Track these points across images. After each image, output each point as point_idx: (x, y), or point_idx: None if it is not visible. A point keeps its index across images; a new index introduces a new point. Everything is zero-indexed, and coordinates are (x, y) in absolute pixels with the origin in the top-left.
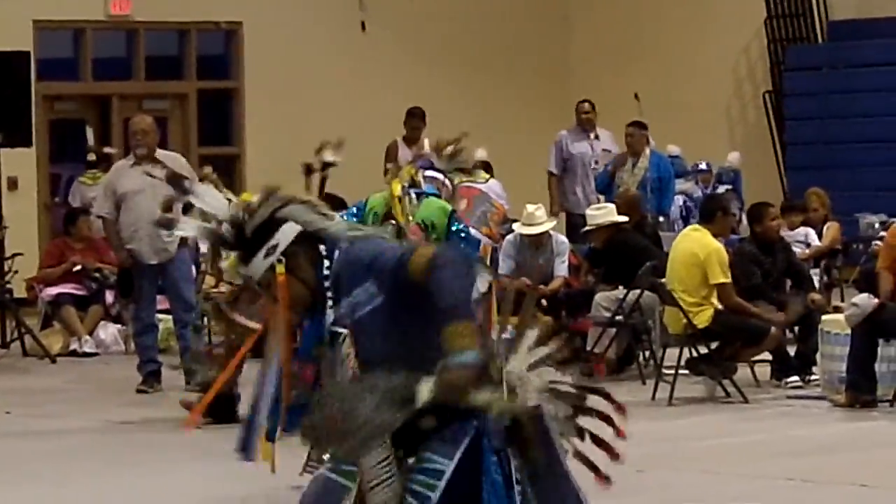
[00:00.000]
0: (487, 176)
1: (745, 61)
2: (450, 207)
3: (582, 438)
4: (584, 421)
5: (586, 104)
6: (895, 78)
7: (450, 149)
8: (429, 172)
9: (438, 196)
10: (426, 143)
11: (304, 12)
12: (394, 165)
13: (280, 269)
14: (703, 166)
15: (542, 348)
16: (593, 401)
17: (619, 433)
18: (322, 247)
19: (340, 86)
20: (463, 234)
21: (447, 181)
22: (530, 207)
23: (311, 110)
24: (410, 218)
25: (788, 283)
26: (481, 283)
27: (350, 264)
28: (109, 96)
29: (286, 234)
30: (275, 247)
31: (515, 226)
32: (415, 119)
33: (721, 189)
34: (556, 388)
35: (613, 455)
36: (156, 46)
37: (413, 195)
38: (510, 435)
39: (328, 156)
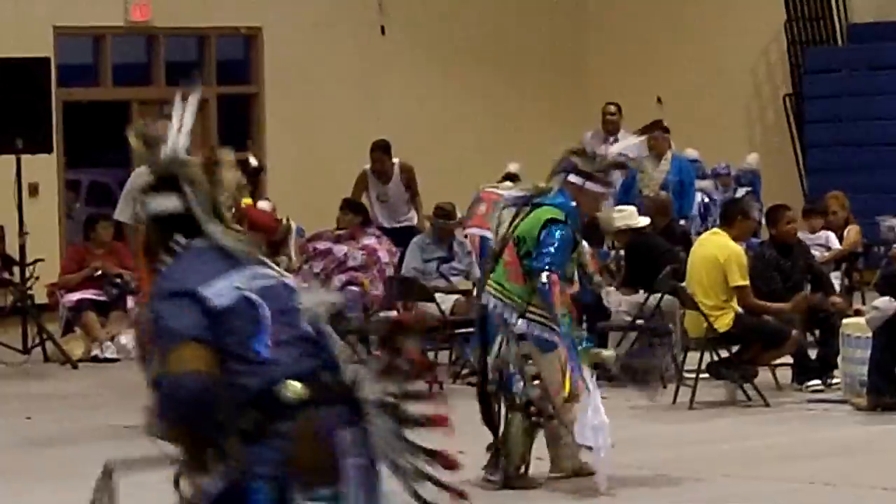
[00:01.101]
0: (511, 185)
1: (764, 64)
2: (559, 213)
3: (414, 455)
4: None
5: (612, 107)
6: None
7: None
8: (571, 178)
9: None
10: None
11: (323, 17)
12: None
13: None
14: (722, 169)
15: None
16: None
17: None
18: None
19: (360, 90)
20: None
21: (589, 184)
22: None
23: (330, 115)
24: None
25: (808, 286)
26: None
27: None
28: (129, 102)
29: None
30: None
31: None
32: (377, 152)
33: (741, 191)
34: (388, 401)
35: (451, 466)
36: (175, 52)
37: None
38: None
39: (254, 161)
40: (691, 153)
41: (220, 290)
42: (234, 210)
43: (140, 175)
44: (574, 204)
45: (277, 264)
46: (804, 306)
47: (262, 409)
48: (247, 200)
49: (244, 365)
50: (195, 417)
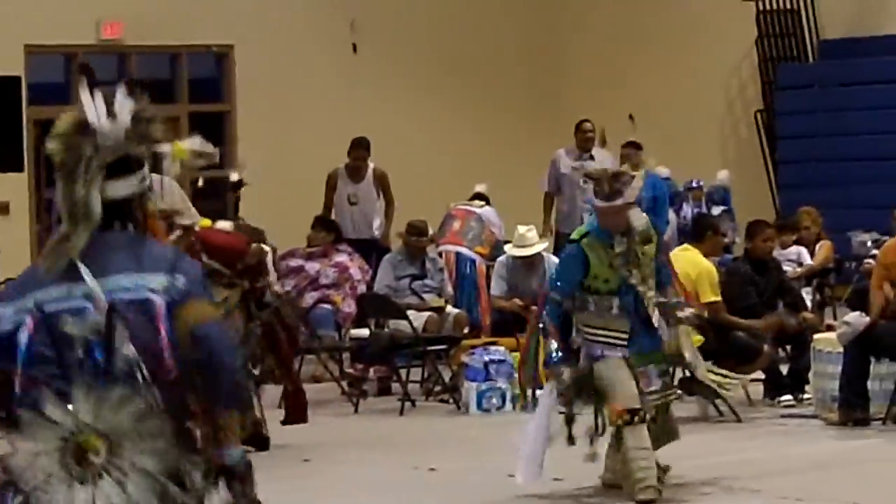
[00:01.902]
0: (483, 203)
1: (736, 80)
2: (581, 232)
3: None
4: None
5: (588, 123)
6: (886, 96)
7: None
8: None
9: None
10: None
11: (295, 35)
12: None
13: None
14: (693, 184)
15: None
16: None
17: None
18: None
19: (332, 108)
20: None
21: (597, 201)
22: (521, 229)
23: (302, 132)
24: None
25: (781, 304)
26: None
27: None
28: None
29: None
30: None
31: (507, 247)
32: (360, 150)
33: (716, 210)
34: None
35: None
36: (147, 70)
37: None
38: None
39: (234, 175)
40: (662, 171)
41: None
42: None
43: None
44: (598, 223)
45: (261, 290)
46: (776, 327)
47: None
48: (204, 223)
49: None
50: None
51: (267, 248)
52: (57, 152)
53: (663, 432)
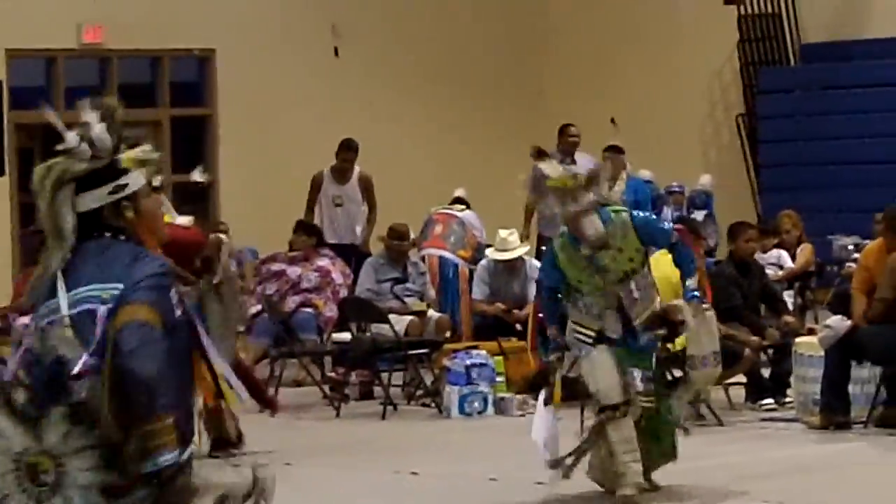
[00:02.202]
0: (463, 207)
1: (718, 84)
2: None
3: None
4: None
5: (573, 128)
6: (868, 100)
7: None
8: None
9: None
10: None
11: (277, 39)
12: None
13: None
14: (675, 187)
15: None
16: None
17: None
18: None
19: (314, 112)
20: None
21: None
22: (503, 233)
23: (284, 136)
24: None
25: (763, 307)
26: None
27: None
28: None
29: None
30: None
31: (489, 251)
32: (348, 151)
33: (698, 215)
34: None
35: None
36: (129, 74)
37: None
38: None
39: (196, 176)
40: (645, 174)
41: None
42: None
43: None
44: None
45: (209, 282)
46: (759, 348)
47: None
48: (168, 218)
49: None
50: None
51: (225, 239)
52: (37, 175)
53: (660, 453)
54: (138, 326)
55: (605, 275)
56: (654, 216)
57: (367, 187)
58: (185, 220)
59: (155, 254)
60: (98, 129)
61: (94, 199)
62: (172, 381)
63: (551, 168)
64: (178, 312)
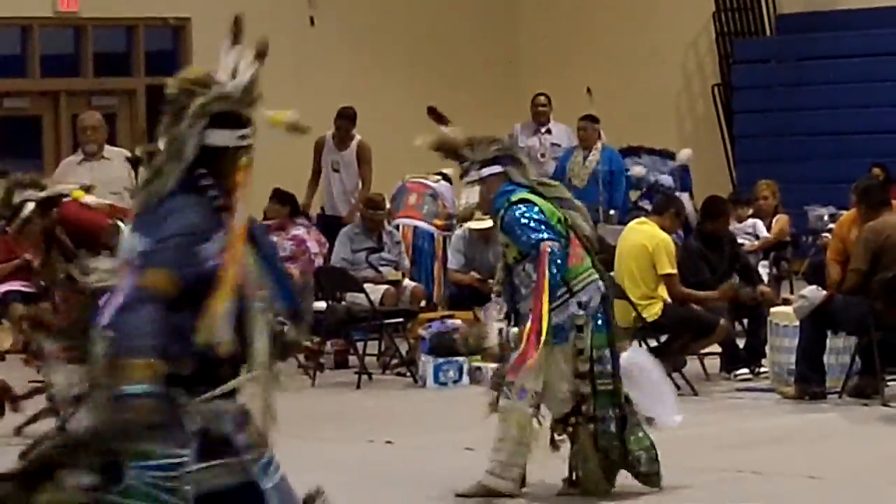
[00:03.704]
0: (439, 177)
1: (693, 55)
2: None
3: None
4: None
5: (542, 97)
6: (843, 71)
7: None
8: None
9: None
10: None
11: (252, 7)
12: None
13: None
14: (663, 180)
15: None
16: None
17: None
18: None
19: (289, 81)
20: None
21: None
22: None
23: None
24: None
25: (737, 278)
26: None
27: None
28: (58, 93)
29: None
30: None
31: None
32: (341, 119)
33: (685, 198)
34: None
35: None
36: (104, 43)
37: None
38: None
39: (138, 151)
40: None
41: None
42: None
43: (70, 164)
44: None
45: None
46: (731, 294)
47: None
48: (77, 194)
49: None
50: None
51: (124, 226)
52: (172, 89)
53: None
54: (131, 289)
55: (503, 261)
56: (527, 220)
57: (361, 156)
58: (90, 198)
59: (190, 211)
60: (246, 76)
61: (223, 138)
62: (157, 331)
63: (555, 136)
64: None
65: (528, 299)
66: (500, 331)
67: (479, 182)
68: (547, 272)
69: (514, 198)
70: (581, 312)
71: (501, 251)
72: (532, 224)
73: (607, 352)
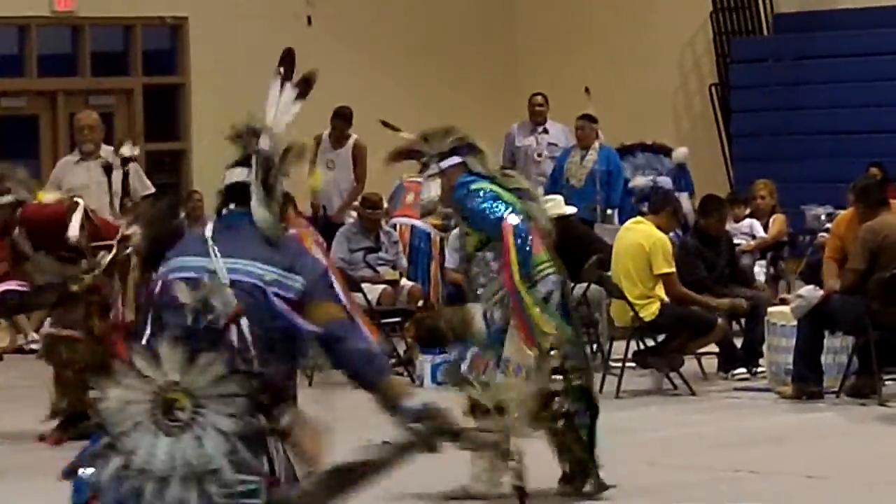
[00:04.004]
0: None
1: (690, 54)
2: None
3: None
4: None
5: (539, 97)
6: (841, 70)
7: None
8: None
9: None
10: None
11: (250, 7)
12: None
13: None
14: (661, 181)
15: None
16: None
17: None
18: None
19: None
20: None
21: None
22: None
23: (257, 105)
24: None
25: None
26: None
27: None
28: (55, 92)
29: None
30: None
31: None
32: (337, 119)
33: (683, 198)
34: None
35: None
36: (101, 42)
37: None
38: None
39: (126, 151)
40: (681, 152)
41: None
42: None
43: (67, 163)
44: None
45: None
46: (730, 309)
47: None
48: (40, 196)
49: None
50: None
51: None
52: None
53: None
54: (340, 323)
55: (464, 252)
56: (485, 203)
57: (356, 156)
58: (50, 197)
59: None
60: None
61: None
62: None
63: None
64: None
65: (487, 287)
66: (485, 313)
67: (439, 174)
68: (512, 246)
69: (474, 186)
70: (544, 305)
71: (463, 242)
72: (491, 205)
73: (571, 348)
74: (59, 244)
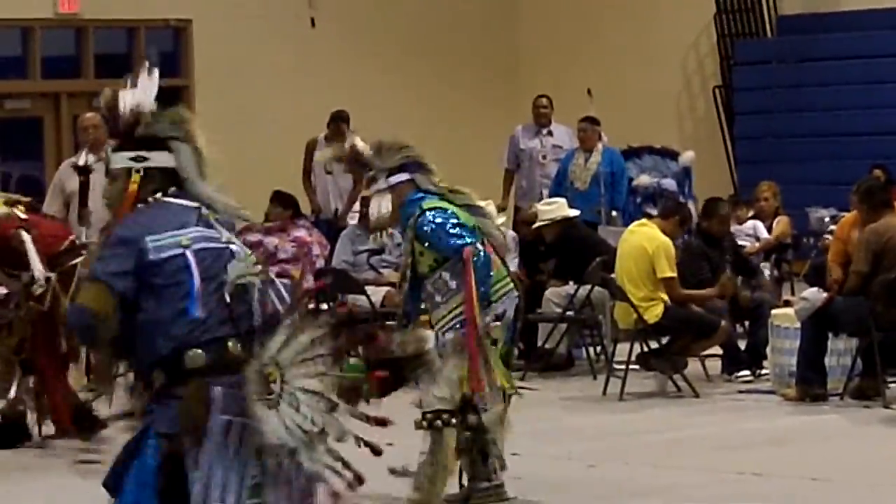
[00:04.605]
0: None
1: (694, 56)
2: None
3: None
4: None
5: (543, 99)
6: (844, 72)
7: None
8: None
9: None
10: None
11: (253, 9)
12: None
13: (135, 177)
14: (666, 184)
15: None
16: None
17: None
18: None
19: (290, 83)
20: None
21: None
22: (481, 203)
23: (261, 107)
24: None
25: (739, 279)
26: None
27: None
28: (59, 94)
29: (158, 159)
30: (143, 158)
31: None
32: (335, 122)
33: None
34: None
35: (376, 452)
36: (105, 44)
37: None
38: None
39: (81, 159)
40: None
41: (163, 244)
42: None
43: (69, 166)
44: None
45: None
46: (730, 289)
47: (168, 370)
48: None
49: (171, 316)
50: (85, 342)
51: (26, 236)
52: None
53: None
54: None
55: (406, 272)
56: (445, 226)
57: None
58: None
59: None
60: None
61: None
62: None
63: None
64: None
65: (442, 307)
66: (437, 336)
67: (387, 190)
68: (473, 276)
69: (426, 205)
70: (497, 324)
71: (408, 260)
72: (451, 229)
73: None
74: (11, 254)
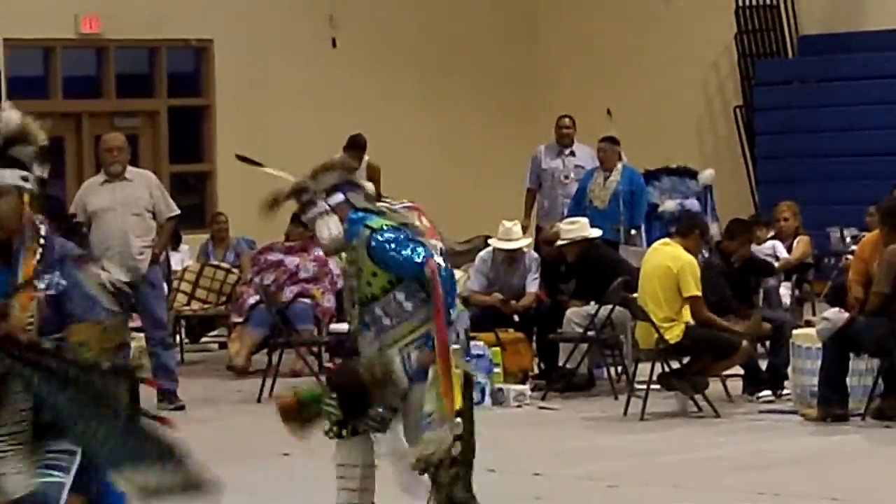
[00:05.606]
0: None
1: (715, 76)
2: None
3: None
4: None
5: (566, 119)
6: (864, 92)
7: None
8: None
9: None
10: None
11: (274, 29)
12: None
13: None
14: (689, 205)
15: None
16: None
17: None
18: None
19: (311, 102)
20: None
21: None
22: (507, 224)
23: (281, 127)
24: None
25: (761, 297)
26: None
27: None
28: (80, 114)
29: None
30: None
31: (491, 241)
32: (353, 149)
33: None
34: None
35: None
36: (126, 64)
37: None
38: None
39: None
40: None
41: None
42: None
43: (92, 185)
44: None
45: None
46: (756, 330)
47: None
48: None
49: None
50: None
51: None
52: None
53: None
54: None
55: (352, 293)
56: (399, 241)
57: (371, 177)
58: None
59: None
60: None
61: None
62: None
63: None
64: None
65: (395, 329)
66: (402, 358)
67: (330, 212)
68: (441, 289)
69: (372, 223)
70: (457, 346)
71: (354, 283)
72: (407, 244)
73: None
74: None
